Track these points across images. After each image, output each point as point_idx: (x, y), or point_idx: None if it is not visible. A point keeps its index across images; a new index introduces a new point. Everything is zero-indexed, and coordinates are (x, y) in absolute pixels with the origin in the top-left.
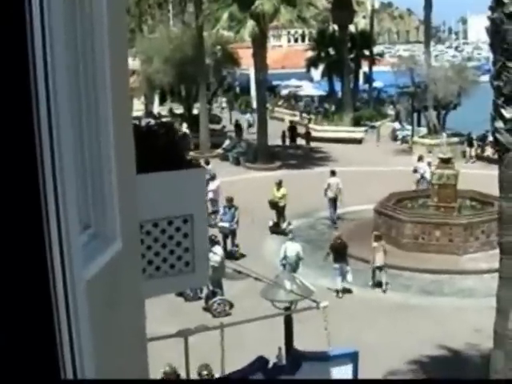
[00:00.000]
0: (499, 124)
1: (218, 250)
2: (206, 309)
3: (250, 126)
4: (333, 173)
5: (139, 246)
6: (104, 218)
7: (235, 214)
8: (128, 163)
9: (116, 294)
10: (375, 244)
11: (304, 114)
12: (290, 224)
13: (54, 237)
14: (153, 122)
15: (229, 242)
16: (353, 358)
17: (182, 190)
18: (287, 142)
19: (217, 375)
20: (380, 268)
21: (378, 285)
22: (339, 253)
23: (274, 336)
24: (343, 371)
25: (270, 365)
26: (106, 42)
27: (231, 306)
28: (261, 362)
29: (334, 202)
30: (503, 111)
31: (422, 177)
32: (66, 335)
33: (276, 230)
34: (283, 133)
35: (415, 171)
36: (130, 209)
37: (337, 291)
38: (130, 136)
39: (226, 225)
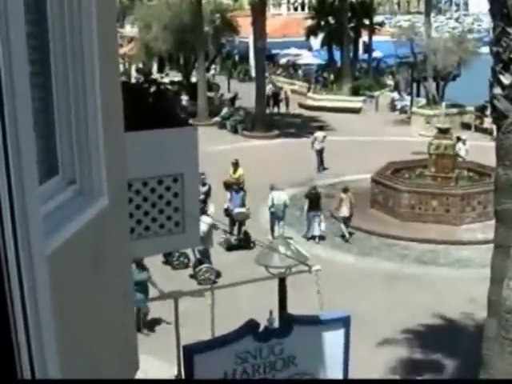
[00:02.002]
0: (497, 90)
1: (205, 218)
2: (193, 276)
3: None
4: (320, 128)
5: (126, 204)
6: (90, 174)
7: (244, 197)
8: (116, 120)
9: (101, 253)
10: (343, 195)
11: (302, 83)
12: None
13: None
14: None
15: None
16: (345, 322)
17: (173, 149)
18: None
19: (207, 337)
20: (347, 219)
21: (342, 236)
22: (314, 202)
23: (268, 301)
24: (335, 335)
25: (261, 328)
26: None
27: (218, 274)
28: (251, 325)
29: (320, 153)
30: (502, 77)
31: (457, 154)
32: (22, 331)
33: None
34: (267, 98)
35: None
36: (118, 166)
37: (313, 237)
38: (118, 93)
39: (242, 209)
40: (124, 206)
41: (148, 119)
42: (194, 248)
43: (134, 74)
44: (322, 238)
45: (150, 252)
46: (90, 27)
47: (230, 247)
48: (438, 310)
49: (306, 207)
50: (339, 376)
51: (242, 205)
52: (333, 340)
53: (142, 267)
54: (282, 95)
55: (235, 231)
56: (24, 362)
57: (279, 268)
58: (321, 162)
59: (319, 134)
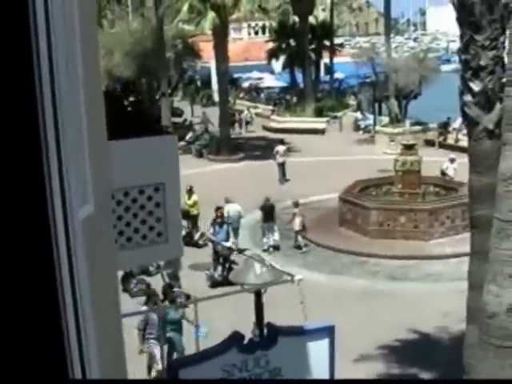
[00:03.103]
0: (468, 98)
1: None
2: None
3: (247, 123)
4: (281, 142)
5: (111, 214)
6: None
7: (229, 230)
8: (99, 128)
9: (89, 263)
10: (295, 210)
11: (266, 106)
12: (203, 235)
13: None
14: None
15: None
16: (329, 332)
17: (154, 158)
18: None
19: (192, 351)
20: (299, 232)
21: (298, 247)
22: (268, 213)
23: (246, 318)
24: (319, 346)
25: (246, 340)
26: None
27: (188, 297)
28: (236, 337)
29: (282, 165)
30: (471, 84)
31: (443, 173)
32: (74, 335)
33: (189, 241)
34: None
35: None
36: (103, 175)
37: (265, 249)
38: (100, 101)
39: (226, 243)
40: (109, 216)
41: (127, 128)
42: (163, 272)
43: None
44: (276, 248)
45: (134, 263)
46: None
47: (215, 284)
48: (413, 325)
49: (260, 219)
50: None
51: (227, 239)
52: (318, 350)
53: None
54: (236, 117)
55: (219, 267)
56: (75, 362)
57: (255, 286)
58: (283, 174)
59: (280, 148)
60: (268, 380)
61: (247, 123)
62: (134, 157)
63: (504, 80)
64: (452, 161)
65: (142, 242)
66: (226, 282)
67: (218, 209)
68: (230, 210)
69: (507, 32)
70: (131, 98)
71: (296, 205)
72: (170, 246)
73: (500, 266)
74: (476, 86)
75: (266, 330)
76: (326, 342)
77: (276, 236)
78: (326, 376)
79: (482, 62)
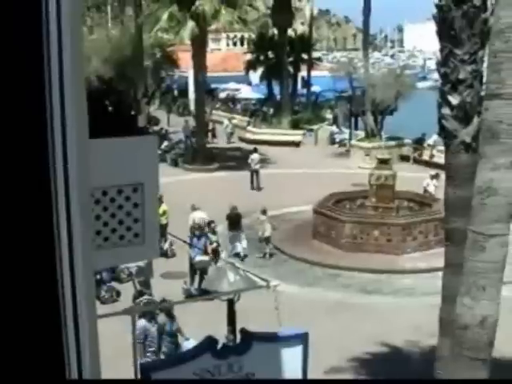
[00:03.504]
0: (446, 111)
1: None
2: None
3: (231, 134)
4: (255, 150)
5: (90, 213)
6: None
7: (207, 242)
8: (81, 127)
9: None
10: (262, 217)
11: (242, 117)
12: (172, 244)
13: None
14: (102, 86)
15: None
16: (303, 338)
17: (133, 158)
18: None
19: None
20: (266, 239)
21: (265, 255)
22: (234, 222)
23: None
24: (293, 352)
25: (220, 345)
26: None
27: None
28: (209, 342)
29: (256, 172)
30: (450, 98)
31: (425, 190)
32: (72, 337)
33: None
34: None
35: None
36: (83, 173)
37: (236, 254)
38: (83, 99)
39: (205, 258)
40: (89, 214)
41: (107, 126)
42: (135, 279)
43: None
44: (245, 256)
45: (110, 263)
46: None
47: (190, 297)
48: (384, 338)
49: (226, 227)
50: None
51: (205, 252)
52: (291, 357)
53: (171, 317)
54: (210, 126)
55: (196, 280)
56: (72, 363)
57: (228, 294)
58: (257, 182)
59: (255, 156)
60: (267, 380)
61: (231, 134)
62: (114, 156)
63: (482, 94)
64: (433, 177)
65: (119, 243)
66: (201, 295)
67: (198, 225)
68: (196, 217)
69: (486, 46)
70: (112, 98)
71: (264, 212)
72: (147, 247)
73: (474, 278)
74: (454, 100)
75: (239, 336)
76: (299, 348)
77: (244, 244)
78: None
79: (461, 76)
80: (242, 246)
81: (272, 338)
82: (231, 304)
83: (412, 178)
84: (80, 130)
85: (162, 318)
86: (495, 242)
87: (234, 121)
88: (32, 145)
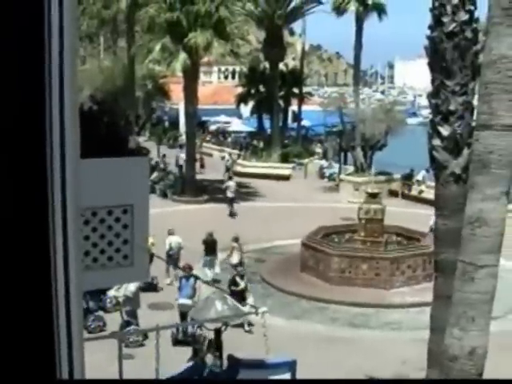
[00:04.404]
0: (436, 142)
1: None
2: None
3: (228, 169)
4: (230, 178)
5: (79, 233)
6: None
7: (195, 285)
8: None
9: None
10: (234, 244)
11: (233, 150)
12: (153, 279)
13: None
14: (95, 106)
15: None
16: (291, 366)
17: (124, 179)
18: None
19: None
20: (236, 266)
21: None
22: (210, 247)
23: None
24: (281, 380)
25: (206, 371)
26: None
27: (146, 337)
28: (197, 367)
29: (232, 200)
30: (440, 129)
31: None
32: (64, 337)
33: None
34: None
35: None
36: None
37: (208, 282)
38: (76, 118)
39: (188, 302)
40: (78, 235)
41: (99, 146)
42: (122, 309)
43: None
44: (216, 281)
45: (97, 285)
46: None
47: (176, 342)
48: (371, 372)
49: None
50: None
51: (193, 294)
52: None
53: None
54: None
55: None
56: (63, 362)
57: (215, 322)
58: (232, 206)
59: (231, 184)
60: (266, 380)
61: (228, 169)
62: (105, 176)
63: (473, 124)
64: None
65: (108, 264)
66: (187, 341)
67: (188, 266)
68: (172, 241)
69: (477, 78)
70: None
71: (235, 240)
72: (136, 269)
73: (463, 309)
74: (445, 131)
75: (226, 363)
76: (287, 376)
77: (217, 269)
78: None
79: (452, 107)
80: (215, 271)
81: (259, 365)
82: (218, 333)
83: (401, 213)
84: (72, 149)
85: None
86: (485, 273)
87: (224, 154)
88: (31, 158)
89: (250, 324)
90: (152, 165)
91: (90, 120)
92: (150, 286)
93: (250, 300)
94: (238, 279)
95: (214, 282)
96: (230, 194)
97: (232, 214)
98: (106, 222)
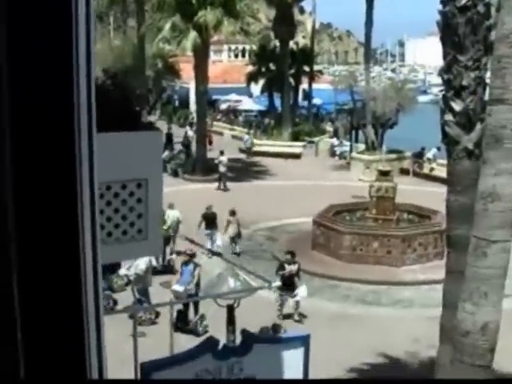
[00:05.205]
0: (449, 117)
1: (144, 258)
2: (132, 317)
3: (248, 149)
4: (221, 152)
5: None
6: None
7: (194, 272)
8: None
9: None
10: (230, 218)
11: (244, 129)
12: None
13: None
14: (108, 81)
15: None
16: (304, 341)
17: (137, 153)
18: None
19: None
20: (233, 238)
21: (236, 254)
22: (210, 221)
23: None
24: (294, 354)
25: (220, 346)
26: None
27: (157, 314)
28: (210, 342)
29: (224, 175)
30: (453, 104)
31: None
32: (94, 338)
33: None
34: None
35: None
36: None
37: (209, 251)
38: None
39: (180, 288)
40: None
41: (113, 121)
42: (134, 287)
43: None
44: (218, 254)
45: (112, 259)
46: None
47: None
48: (382, 350)
49: (202, 226)
50: None
51: (191, 281)
52: (292, 359)
53: None
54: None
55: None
56: (93, 362)
57: (228, 299)
58: (224, 183)
59: (223, 158)
60: (266, 380)
61: (249, 149)
62: (118, 151)
63: (486, 99)
64: None
65: (122, 238)
66: (185, 329)
67: (191, 253)
68: (170, 215)
69: (489, 53)
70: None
71: (232, 213)
72: (150, 243)
73: (476, 284)
74: (457, 106)
75: (240, 338)
76: (300, 351)
77: (218, 242)
78: None
79: (465, 82)
80: (216, 244)
81: (273, 340)
82: (231, 310)
83: (412, 191)
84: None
85: None
86: (498, 248)
87: (234, 132)
88: (60, 140)
89: (301, 315)
90: (163, 143)
91: (104, 94)
92: (167, 269)
93: (302, 290)
94: (285, 265)
95: (217, 254)
96: (222, 169)
97: (223, 189)
98: (120, 196)
